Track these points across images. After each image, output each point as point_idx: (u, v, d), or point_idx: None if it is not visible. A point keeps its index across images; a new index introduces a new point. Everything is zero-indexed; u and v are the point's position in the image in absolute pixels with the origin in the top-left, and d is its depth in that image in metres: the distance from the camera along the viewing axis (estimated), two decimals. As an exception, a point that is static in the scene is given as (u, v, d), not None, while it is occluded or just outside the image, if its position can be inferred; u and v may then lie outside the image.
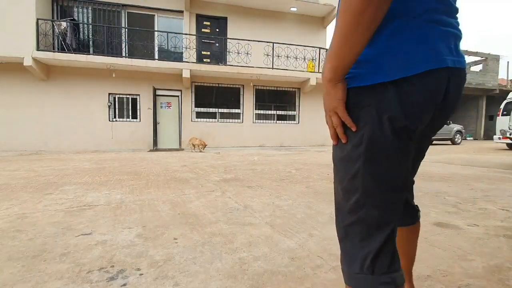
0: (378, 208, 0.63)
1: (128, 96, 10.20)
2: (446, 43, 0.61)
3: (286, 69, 10.85)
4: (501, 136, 9.19)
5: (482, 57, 18.26)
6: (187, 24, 10.72)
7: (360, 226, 0.64)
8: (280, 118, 12.02)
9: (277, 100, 11.93)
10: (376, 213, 0.63)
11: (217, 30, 11.34)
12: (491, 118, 17.84)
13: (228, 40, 10.97)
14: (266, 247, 1.60)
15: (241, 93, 11.43)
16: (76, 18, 9.96)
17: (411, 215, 0.95)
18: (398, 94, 0.58)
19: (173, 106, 10.70)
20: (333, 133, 0.66)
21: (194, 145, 8.99)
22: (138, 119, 10.26)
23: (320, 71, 11.50)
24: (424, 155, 0.79)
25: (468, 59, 18.55)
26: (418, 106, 0.59)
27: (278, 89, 11.83)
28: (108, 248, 1.58)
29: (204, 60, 10.97)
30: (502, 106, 9.79)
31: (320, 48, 11.65)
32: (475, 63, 19.26)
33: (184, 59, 10.48)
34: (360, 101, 0.61)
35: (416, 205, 0.97)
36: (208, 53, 11.17)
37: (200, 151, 8.96)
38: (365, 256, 0.62)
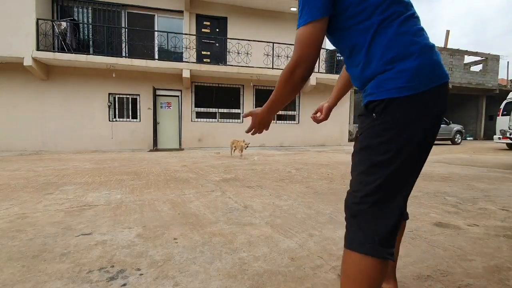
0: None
1: (128, 96, 10.19)
2: None
3: (286, 69, 10.84)
4: (501, 136, 9.19)
5: (482, 57, 18.25)
6: (187, 24, 10.72)
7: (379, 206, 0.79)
8: (280, 118, 12.02)
9: (277, 100, 11.92)
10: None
11: (217, 30, 11.34)
12: (491, 118, 17.83)
13: (228, 40, 10.96)
14: (266, 247, 1.60)
15: (241, 93, 11.43)
16: (76, 18, 9.96)
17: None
18: None
19: (173, 106, 10.70)
20: (254, 133, 1.02)
21: (235, 148, 7.25)
22: (138, 119, 10.26)
23: (320, 71, 11.53)
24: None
25: (468, 59, 18.55)
26: None
27: (278, 89, 11.82)
28: (108, 248, 1.58)
29: (204, 60, 10.97)
30: (502, 106, 9.78)
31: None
32: (475, 63, 19.24)
33: (184, 59, 10.48)
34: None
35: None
36: (208, 53, 11.17)
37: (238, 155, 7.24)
38: (380, 232, 0.76)
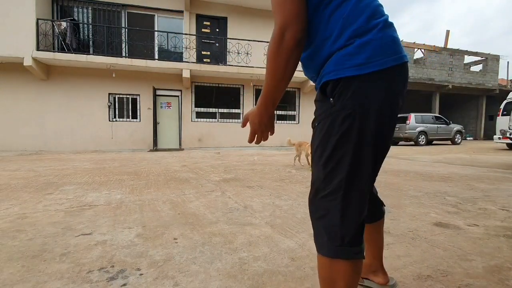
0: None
1: (128, 96, 10.20)
2: None
3: (286, 69, 10.84)
4: (501, 136, 9.19)
5: (482, 57, 18.26)
6: (187, 24, 10.72)
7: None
8: (280, 118, 12.02)
9: (277, 100, 11.92)
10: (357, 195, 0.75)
11: (217, 30, 11.34)
12: (491, 118, 17.85)
13: (228, 40, 10.97)
14: (266, 247, 1.59)
15: (241, 93, 11.43)
16: (76, 18, 9.97)
17: (379, 210, 1.08)
18: None
19: (173, 106, 10.70)
20: (259, 140, 0.85)
21: (299, 155, 5.27)
22: (138, 119, 10.27)
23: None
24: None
25: (468, 59, 18.56)
26: None
27: (278, 89, 11.82)
28: (108, 248, 1.58)
29: (204, 60, 10.97)
30: (502, 106, 9.79)
31: (320, 48, 11.65)
32: (475, 63, 19.25)
33: (184, 59, 10.49)
34: None
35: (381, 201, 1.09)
36: (208, 53, 11.17)
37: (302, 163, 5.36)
38: (346, 233, 0.73)
